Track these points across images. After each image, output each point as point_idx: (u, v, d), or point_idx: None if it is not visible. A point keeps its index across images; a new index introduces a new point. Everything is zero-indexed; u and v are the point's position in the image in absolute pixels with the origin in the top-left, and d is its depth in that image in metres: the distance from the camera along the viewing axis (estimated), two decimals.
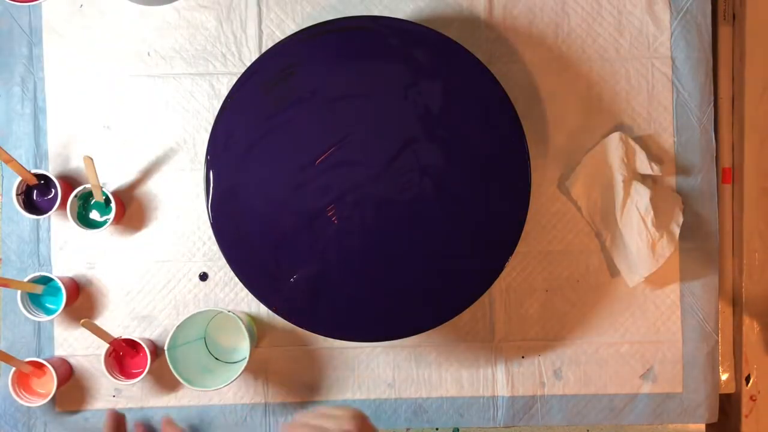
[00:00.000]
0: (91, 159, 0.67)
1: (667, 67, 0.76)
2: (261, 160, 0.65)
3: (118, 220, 0.74)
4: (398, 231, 0.66)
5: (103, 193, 0.71)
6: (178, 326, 0.68)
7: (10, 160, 0.68)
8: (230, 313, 0.70)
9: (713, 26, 0.78)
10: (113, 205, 0.71)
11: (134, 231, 0.76)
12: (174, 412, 0.75)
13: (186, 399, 0.76)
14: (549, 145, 0.76)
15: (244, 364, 0.69)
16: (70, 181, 0.76)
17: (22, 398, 0.71)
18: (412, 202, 0.65)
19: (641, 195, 0.72)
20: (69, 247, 0.76)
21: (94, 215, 0.74)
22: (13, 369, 0.71)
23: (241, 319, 0.69)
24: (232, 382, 0.68)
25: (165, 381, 0.76)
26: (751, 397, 0.79)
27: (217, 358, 0.75)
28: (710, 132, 0.76)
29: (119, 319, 0.75)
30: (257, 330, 0.75)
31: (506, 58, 0.76)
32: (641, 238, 0.71)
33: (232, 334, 0.75)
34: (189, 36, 0.76)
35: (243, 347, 0.74)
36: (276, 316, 0.67)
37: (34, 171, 0.71)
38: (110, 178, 0.76)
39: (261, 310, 0.76)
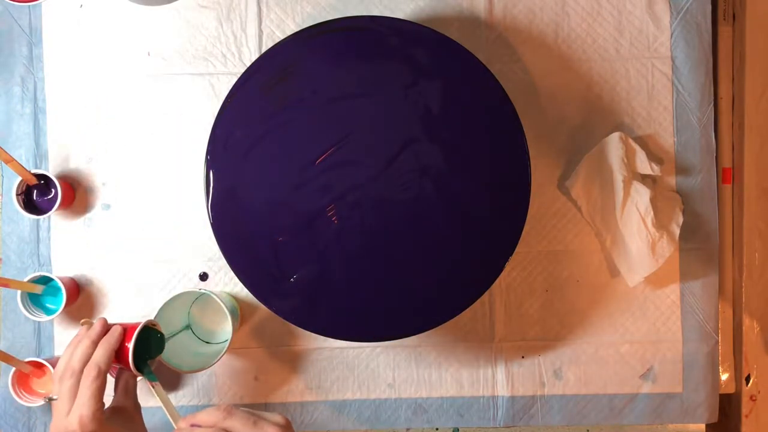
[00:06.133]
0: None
1: (667, 67, 0.76)
2: (261, 160, 0.65)
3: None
4: (398, 231, 0.66)
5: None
6: (155, 318, 0.68)
7: (10, 160, 0.68)
8: (205, 292, 0.70)
9: (713, 26, 0.78)
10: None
11: (134, 231, 0.76)
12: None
13: (186, 399, 0.76)
14: (549, 145, 0.76)
15: (227, 345, 0.69)
16: (70, 181, 0.76)
17: (22, 398, 0.71)
18: (412, 202, 0.65)
19: (641, 195, 0.72)
20: (69, 247, 0.76)
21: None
22: (13, 369, 0.71)
23: (221, 299, 0.69)
24: (215, 363, 0.69)
25: (164, 381, 0.76)
26: (751, 397, 0.79)
27: (206, 342, 0.75)
28: (710, 132, 0.76)
29: (119, 319, 0.75)
30: (241, 309, 0.76)
31: (506, 58, 0.76)
32: (641, 238, 0.71)
33: (217, 315, 0.75)
34: (189, 36, 0.76)
35: (227, 327, 0.74)
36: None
37: (34, 171, 0.71)
38: (110, 179, 0.76)
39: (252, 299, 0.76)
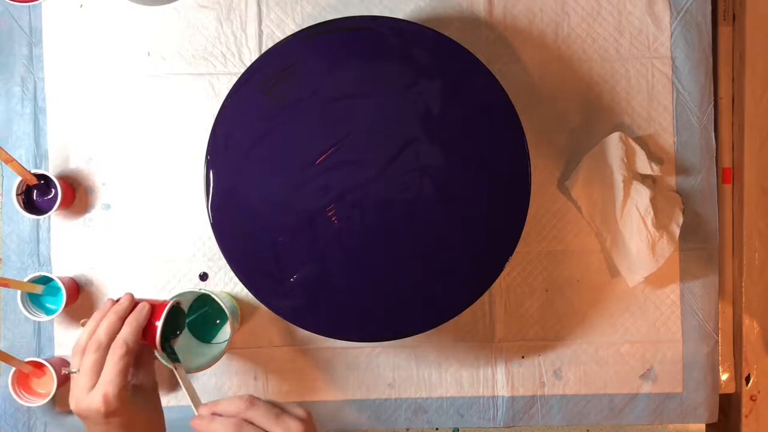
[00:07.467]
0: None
1: (667, 67, 0.76)
2: (261, 160, 0.65)
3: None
4: (398, 231, 0.66)
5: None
6: None
7: (10, 160, 0.68)
8: (205, 292, 0.70)
9: (713, 26, 0.78)
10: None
11: (134, 231, 0.76)
12: (174, 411, 0.75)
13: (186, 399, 0.76)
14: (549, 145, 0.76)
15: (226, 344, 0.69)
16: (70, 181, 0.76)
17: (22, 398, 0.71)
18: (412, 202, 0.65)
19: (641, 195, 0.72)
20: (69, 247, 0.76)
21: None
22: (13, 369, 0.71)
23: (221, 299, 0.69)
24: (215, 362, 0.68)
25: (164, 382, 0.76)
26: (751, 397, 0.79)
27: (206, 342, 0.75)
28: (710, 132, 0.76)
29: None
30: (241, 309, 0.76)
31: (506, 58, 0.76)
32: (641, 238, 0.71)
33: (216, 315, 0.75)
34: (189, 36, 0.76)
35: (227, 327, 0.74)
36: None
37: (34, 171, 0.71)
38: (110, 179, 0.76)
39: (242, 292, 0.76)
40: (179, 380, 0.60)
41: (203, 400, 0.76)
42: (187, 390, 0.59)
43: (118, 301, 0.61)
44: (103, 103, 0.76)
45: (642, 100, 0.76)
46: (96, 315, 0.59)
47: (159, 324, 0.59)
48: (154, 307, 0.60)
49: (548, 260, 0.76)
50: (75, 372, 0.56)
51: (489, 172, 0.66)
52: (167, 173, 0.76)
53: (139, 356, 0.60)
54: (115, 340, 0.56)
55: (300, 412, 0.54)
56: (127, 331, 0.57)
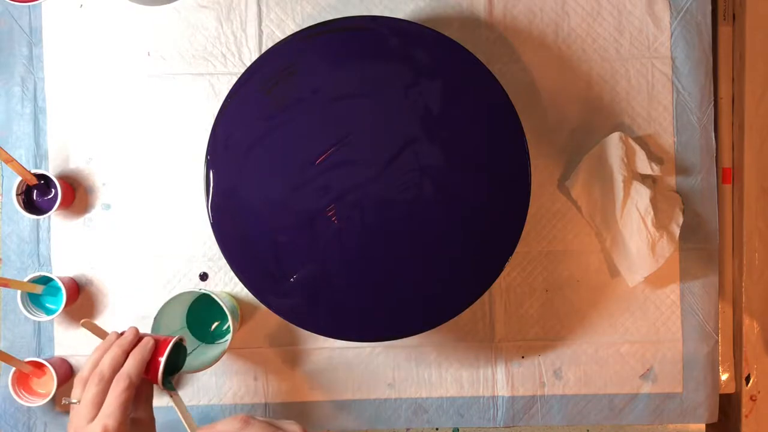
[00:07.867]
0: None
1: (667, 67, 0.76)
2: (261, 160, 0.65)
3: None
4: (398, 231, 0.66)
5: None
6: (156, 318, 0.68)
7: (10, 160, 0.68)
8: (205, 292, 0.70)
9: (713, 26, 0.78)
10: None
11: (134, 231, 0.76)
12: (174, 411, 0.75)
13: (186, 399, 0.76)
14: (549, 145, 0.76)
15: (226, 345, 0.69)
16: (70, 181, 0.76)
17: (22, 398, 0.71)
18: (412, 202, 0.65)
19: (641, 195, 0.72)
20: (69, 247, 0.76)
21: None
22: (13, 369, 0.71)
23: (221, 299, 0.69)
24: (215, 363, 0.68)
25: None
26: (751, 397, 0.79)
27: (207, 341, 0.75)
28: (710, 132, 0.76)
29: (119, 319, 0.75)
30: (241, 309, 0.76)
31: (506, 58, 0.76)
32: (641, 238, 0.71)
33: (216, 315, 0.75)
34: (189, 36, 0.76)
35: (227, 327, 0.74)
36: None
37: (34, 171, 0.71)
38: (110, 179, 0.76)
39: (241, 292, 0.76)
40: (176, 408, 0.60)
41: (203, 400, 0.76)
42: (183, 417, 0.60)
43: (122, 334, 0.61)
44: (103, 103, 0.76)
45: (642, 100, 0.76)
46: (100, 347, 0.60)
47: (162, 360, 0.59)
48: (158, 342, 0.61)
49: (548, 260, 0.76)
50: (75, 403, 0.57)
51: (489, 172, 0.66)
52: (167, 173, 0.76)
53: (138, 390, 0.60)
54: (119, 373, 0.57)
55: (295, 428, 0.54)
56: (131, 365, 0.58)
